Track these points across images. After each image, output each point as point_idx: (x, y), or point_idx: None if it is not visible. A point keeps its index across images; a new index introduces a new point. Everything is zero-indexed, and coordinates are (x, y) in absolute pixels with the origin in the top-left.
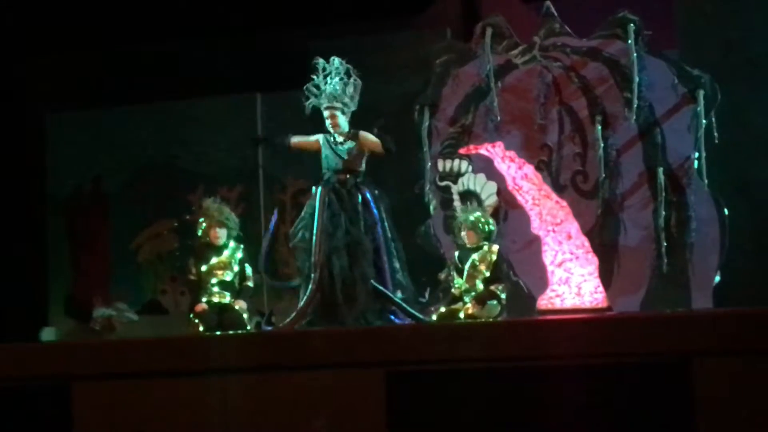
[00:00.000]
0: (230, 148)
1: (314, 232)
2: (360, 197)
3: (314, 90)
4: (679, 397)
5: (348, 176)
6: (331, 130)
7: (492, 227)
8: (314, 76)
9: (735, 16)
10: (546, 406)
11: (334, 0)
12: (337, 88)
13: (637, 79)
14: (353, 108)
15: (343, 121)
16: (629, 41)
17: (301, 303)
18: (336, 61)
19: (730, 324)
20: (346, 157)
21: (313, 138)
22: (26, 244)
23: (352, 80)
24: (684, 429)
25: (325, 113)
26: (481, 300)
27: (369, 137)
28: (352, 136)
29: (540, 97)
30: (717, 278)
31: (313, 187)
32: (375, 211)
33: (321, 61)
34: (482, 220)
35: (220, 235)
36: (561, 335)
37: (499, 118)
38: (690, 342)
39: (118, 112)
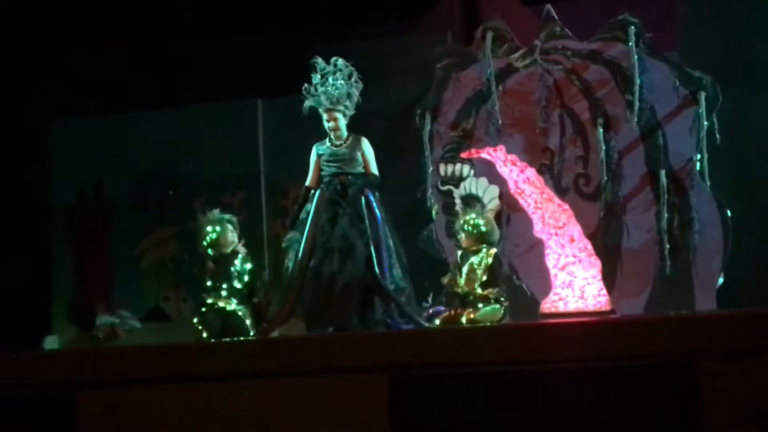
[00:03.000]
0: (232, 154)
1: (305, 234)
2: (363, 199)
3: (312, 90)
4: (683, 400)
5: (349, 177)
6: (331, 135)
7: (483, 228)
8: (312, 76)
9: (736, 18)
10: (550, 409)
11: (334, 5)
12: (341, 90)
13: (638, 81)
14: (352, 112)
15: (343, 125)
16: (630, 44)
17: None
18: (339, 61)
19: (734, 326)
20: (345, 158)
21: (312, 161)
22: (29, 252)
23: (354, 83)
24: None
25: (325, 116)
26: (474, 305)
27: (367, 151)
28: (352, 141)
29: (541, 100)
30: (720, 280)
31: (317, 191)
32: (378, 213)
33: (320, 60)
34: (471, 222)
35: (230, 235)
36: (564, 339)
37: (500, 121)
38: (694, 344)
39: (120, 119)
